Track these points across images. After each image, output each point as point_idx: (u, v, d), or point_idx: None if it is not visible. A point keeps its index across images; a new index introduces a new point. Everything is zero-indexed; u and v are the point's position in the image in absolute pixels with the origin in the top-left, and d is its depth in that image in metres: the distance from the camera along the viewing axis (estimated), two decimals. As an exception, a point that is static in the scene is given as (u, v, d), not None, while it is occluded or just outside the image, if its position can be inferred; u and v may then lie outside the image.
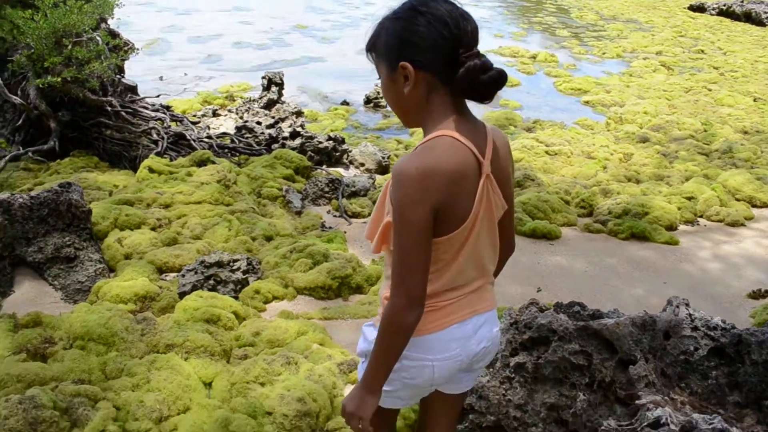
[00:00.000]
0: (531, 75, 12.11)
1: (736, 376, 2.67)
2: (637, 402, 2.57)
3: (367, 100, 9.47)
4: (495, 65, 1.57)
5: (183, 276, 4.01)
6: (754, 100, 10.78)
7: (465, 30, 1.58)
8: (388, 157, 6.82)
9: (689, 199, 6.02)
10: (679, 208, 5.74)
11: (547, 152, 7.27)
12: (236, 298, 3.93)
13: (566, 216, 5.46)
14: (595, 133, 8.50)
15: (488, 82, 1.55)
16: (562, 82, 11.44)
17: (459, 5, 1.62)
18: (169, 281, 4.14)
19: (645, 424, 2.43)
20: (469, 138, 1.61)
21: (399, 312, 1.60)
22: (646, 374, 2.60)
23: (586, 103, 10.36)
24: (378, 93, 9.24)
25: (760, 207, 6.21)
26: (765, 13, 20.64)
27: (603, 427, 2.48)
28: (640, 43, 16.07)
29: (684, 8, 23.54)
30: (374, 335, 1.73)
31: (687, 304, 2.87)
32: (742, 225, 5.78)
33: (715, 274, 4.73)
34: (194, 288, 3.89)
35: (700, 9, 22.70)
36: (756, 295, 4.49)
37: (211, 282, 3.96)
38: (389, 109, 1.64)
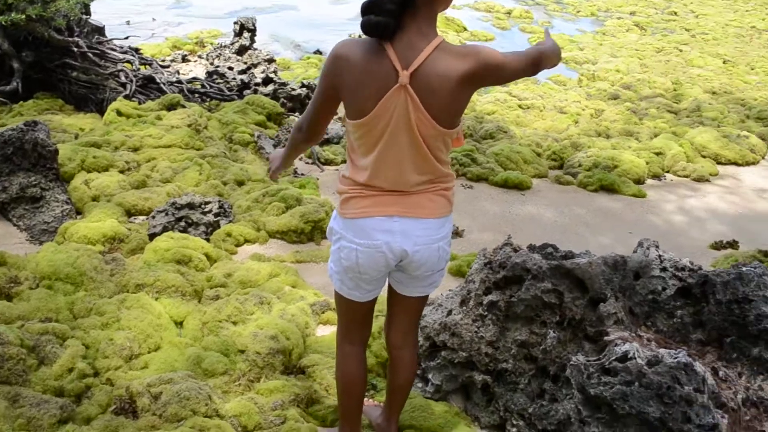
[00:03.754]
0: (505, 30, 12.04)
1: (701, 315, 2.75)
2: (605, 338, 2.64)
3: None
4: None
5: (153, 217, 3.95)
6: (724, 62, 10.90)
7: None
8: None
9: (657, 154, 6.10)
10: (647, 163, 5.83)
11: (519, 106, 7.28)
12: (207, 240, 3.89)
13: (537, 168, 5.50)
14: (567, 89, 8.53)
15: None
16: (536, 39, 11.39)
17: None
18: (139, 224, 4.08)
19: (613, 358, 2.50)
20: (397, 48, 1.81)
21: (296, 126, 2.13)
22: (615, 312, 2.66)
23: (560, 59, 10.37)
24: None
25: (725, 164, 6.34)
26: (737, -23, 20.82)
27: (572, 362, 2.54)
28: (614, 2, 16.06)
29: (658, -30, 23.55)
30: (332, 218, 2.17)
31: (657, 246, 2.93)
32: (707, 181, 5.90)
33: (679, 226, 4.84)
34: (165, 229, 3.84)
35: (674, -29, 22.74)
36: (718, 246, 4.61)
37: (182, 224, 3.91)
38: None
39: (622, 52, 10.95)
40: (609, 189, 5.30)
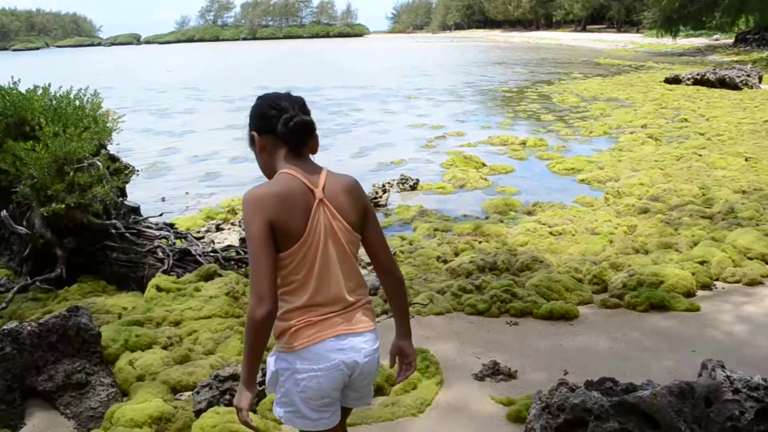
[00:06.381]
0: (523, 160, 12.33)
1: (789, 438, 2.53)
2: (690, 478, 2.43)
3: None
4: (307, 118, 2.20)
5: (198, 393, 3.88)
6: (746, 160, 10.92)
7: (285, 102, 2.20)
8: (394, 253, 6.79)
9: (702, 263, 5.95)
10: (693, 274, 5.66)
11: (551, 233, 7.26)
12: (254, 411, 3.79)
13: (580, 294, 5.37)
14: (595, 209, 8.54)
15: (294, 126, 2.16)
16: (555, 164, 11.62)
17: (284, 92, 2.27)
18: (185, 400, 4.00)
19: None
20: (301, 174, 2.16)
21: (251, 309, 2.03)
22: (694, 447, 2.47)
23: (582, 181, 10.48)
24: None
25: (774, 263, 6.13)
26: (738, 77, 21.25)
27: None
28: (624, 119, 16.48)
29: (660, 82, 24.35)
30: (273, 363, 2.20)
31: (723, 366, 2.76)
32: (760, 283, 5.68)
33: (743, 336, 4.60)
34: (210, 404, 3.76)
35: (675, 81, 23.51)
36: (788, 353, 4.34)
37: (228, 396, 3.82)
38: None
39: (642, 165, 11.07)
40: (659, 307, 5.11)
